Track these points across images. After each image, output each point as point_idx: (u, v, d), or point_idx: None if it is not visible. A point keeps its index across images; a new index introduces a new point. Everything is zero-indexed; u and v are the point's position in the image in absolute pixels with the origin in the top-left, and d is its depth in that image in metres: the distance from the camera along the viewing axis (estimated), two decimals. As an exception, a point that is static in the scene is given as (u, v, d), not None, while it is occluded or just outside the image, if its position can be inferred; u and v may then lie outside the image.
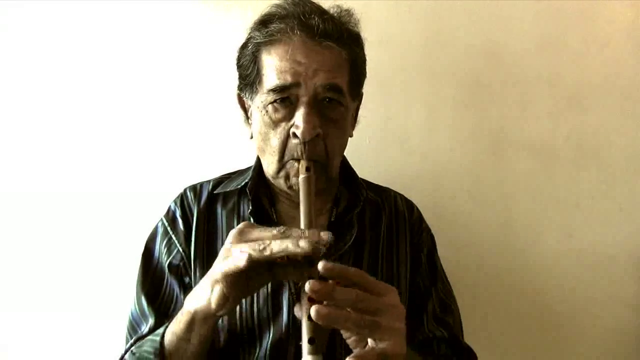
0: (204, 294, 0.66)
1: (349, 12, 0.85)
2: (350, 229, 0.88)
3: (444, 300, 0.93)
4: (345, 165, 0.95)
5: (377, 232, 0.91)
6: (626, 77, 1.22)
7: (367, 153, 1.20)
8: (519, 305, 1.23)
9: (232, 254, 0.63)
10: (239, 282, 0.65)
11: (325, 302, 0.58)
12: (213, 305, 0.65)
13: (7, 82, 1.20)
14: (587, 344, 1.22)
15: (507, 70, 1.23)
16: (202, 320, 0.69)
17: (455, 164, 1.23)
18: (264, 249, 0.61)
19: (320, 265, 0.59)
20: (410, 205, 0.98)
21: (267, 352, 0.80)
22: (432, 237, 0.98)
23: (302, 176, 0.75)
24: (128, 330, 0.87)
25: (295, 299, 0.80)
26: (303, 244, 0.59)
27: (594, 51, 1.22)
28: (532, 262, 1.23)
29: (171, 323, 0.74)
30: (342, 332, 0.65)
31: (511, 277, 1.23)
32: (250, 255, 0.61)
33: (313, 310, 0.57)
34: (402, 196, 0.99)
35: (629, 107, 1.22)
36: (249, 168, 0.94)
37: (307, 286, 0.58)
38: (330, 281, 0.61)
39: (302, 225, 0.69)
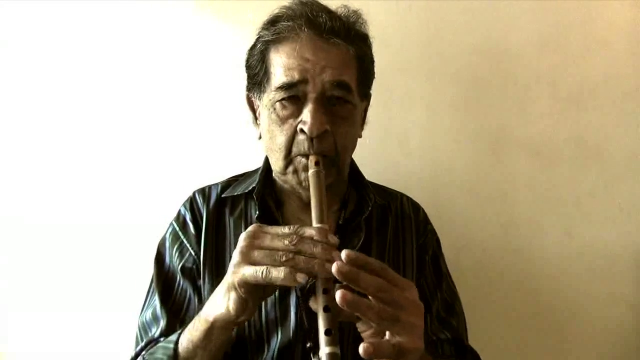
0: (222, 301, 0.66)
1: (356, 13, 0.85)
2: (357, 232, 0.87)
3: (448, 301, 0.92)
4: (353, 168, 0.95)
5: (384, 236, 0.90)
6: (626, 77, 1.22)
7: (367, 153, 1.19)
8: (518, 305, 1.23)
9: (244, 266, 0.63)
10: (257, 287, 0.64)
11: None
12: (232, 312, 0.65)
13: (8, 85, 1.19)
14: (587, 343, 1.22)
15: (507, 70, 1.23)
16: (222, 327, 0.68)
17: (455, 164, 1.23)
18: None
19: (344, 254, 0.59)
20: (416, 206, 0.98)
21: (275, 355, 0.80)
22: (437, 239, 0.98)
23: (311, 170, 0.75)
24: (140, 332, 0.87)
25: (302, 302, 0.81)
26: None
27: (594, 51, 1.22)
28: (532, 262, 1.23)
29: (186, 329, 0.73)
30: (358, 326, 0.65)
31: (511, 276, 1.23)
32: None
33: (339, 293, 0.57)
34: (408, 198, 0.99)
35: (629, 107, 1.22)
36: (256, 170, 0.93)
37: (333, 267, 0.58)
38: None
39: (314, 220, 0.69)
